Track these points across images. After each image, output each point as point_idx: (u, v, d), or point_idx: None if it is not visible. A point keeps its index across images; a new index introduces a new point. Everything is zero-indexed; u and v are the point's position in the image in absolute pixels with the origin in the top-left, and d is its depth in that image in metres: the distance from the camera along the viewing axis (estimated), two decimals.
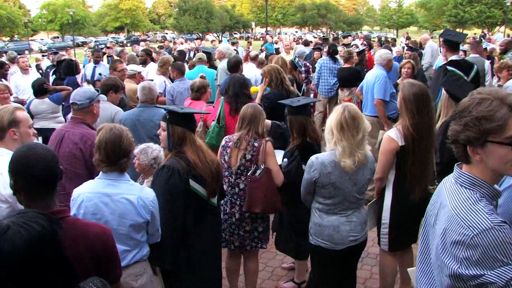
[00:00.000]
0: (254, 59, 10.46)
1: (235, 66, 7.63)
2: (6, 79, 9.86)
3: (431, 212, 2.21)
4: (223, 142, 4.52)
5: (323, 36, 26.89)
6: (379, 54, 8.01)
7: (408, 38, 23.97)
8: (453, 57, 6.75)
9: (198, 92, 6.65)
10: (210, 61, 10.49)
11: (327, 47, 11.64)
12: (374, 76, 7.67)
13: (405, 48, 14.76)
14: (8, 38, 68.92)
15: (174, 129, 3.60)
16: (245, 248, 4.56)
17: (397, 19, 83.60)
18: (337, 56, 10.75)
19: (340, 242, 3.82)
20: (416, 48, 13.16)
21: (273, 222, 4.99)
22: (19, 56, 11.24)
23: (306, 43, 17.23)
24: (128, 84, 7.62)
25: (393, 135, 4.13)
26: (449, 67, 6.60)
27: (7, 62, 11.02)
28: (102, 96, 4.69)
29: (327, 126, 3.78)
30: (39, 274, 1.61)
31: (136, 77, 7.90)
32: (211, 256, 3.89)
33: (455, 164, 2.13)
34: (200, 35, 62.06)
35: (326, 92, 10.62)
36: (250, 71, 9.51)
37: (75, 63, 9.34)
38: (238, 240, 4.51)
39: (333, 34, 54.18)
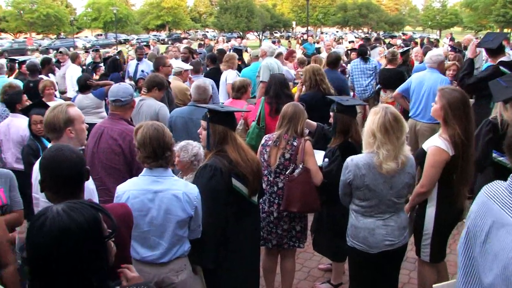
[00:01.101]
0: (277, 57, 10.38)
1: (335, 61, 7.93)
2: (54, 74, 10.13)
3: (478, 226, 2.11)
4: (263, 141, 4.54)
5: (365, 37, 26.55)
6: (429, 56, 7.53)
7: (451, 39, 23.40)
8: (503, 58, 6.51)
9: (239, 92, 6.66)
10: (240, 58, 10.62)
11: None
12: (436, 81, 7.07)
13: (449, 49, 14.39)
14: (55, 36, 70.89)
15: (215, 128, 3.61)
16: (282, 246, 4.55)
17: (441, 20, 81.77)
18: (371, 57, 10.61)
19: (375, 245, 3.76)
20: (460, 49, 12.81)
21: (312, 222, 4.97)
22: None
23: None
24: (174, 82, 7.70)
25: (442, 145, 3.90)
26: (502, 68, 6.33)
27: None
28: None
29: (366, 129, 3.71)
30: (87, 258, 1.70)
31: (183, 75, 7.98)
32: (250, 254, 3.90)
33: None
34: (241, 33, 62.24)
35: (359, 93, 10.50)
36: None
37: (119, 61, 9.49)
38: (276, 239, 4.50)
39: (368, 34, 53.56)
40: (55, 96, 7.77)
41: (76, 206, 1.72)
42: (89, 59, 16.10)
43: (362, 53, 10.55)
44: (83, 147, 4.06)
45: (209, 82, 6.11)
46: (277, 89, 5.87)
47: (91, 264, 1.71)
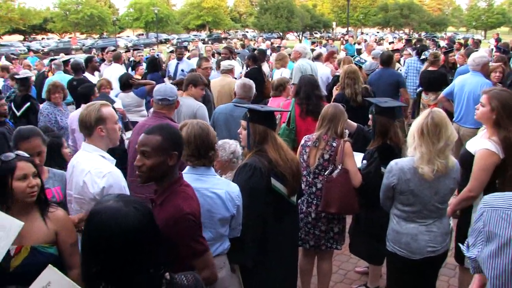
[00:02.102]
0: (317, 57, 10.68)
1: (388, 59, 8.13)
2: (99, 71, 10.34)
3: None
4: (302, 141, 4.53)
5: (408, 38, 26.10)
6: (472, 58, 7.30)
7: (498, 39, 22.73)
8: None
9: (277, 90, 6.79)
10: (263, 60, 10.80)
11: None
12: (477, 85, 6.91)
13: (494, 50, 13.97)
14: (98, 36, 72.57)
15: (255, 128, 3.63)
16: (320, 248, 4.53)
17: (486, 19, 79.67)
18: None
19: (418, 251, 3.67)
20: (507, 50, 12.38)
21: (350, 224, 4.92)
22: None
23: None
24: (224, 79, 7.82)
25: (492, 148, 3.76)
26: None
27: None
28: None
29: (410, 129, 3.66)
30: (146, 248, 1.80)
31: (233, 72, 8.08)
32: (289, 254, 3.90)
33: None
34: (281, 34, 62.18)
35: (412, 92, 10.38)
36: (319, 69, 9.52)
37: (158, 60, 9.59)
38: (313, 240, 4.49)
39: (408, 35, 52.58)
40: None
41: (131, 199, 1.81)
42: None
43: (421, 52, 10.44)
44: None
45: (252, 82, 6.17)
46: (308, 90, 5.84)
47: (148, 255, 1.80)
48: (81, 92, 6.52)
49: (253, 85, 5.93)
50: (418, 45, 13.64)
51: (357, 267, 5.53)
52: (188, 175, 3.24)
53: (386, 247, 3.90)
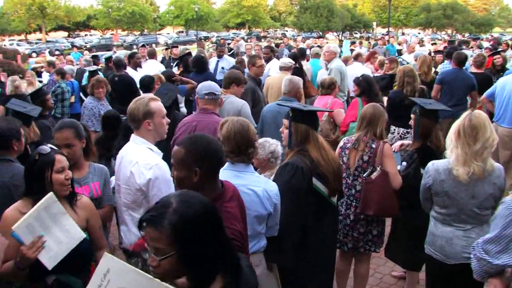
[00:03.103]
0: (357, 58, 10.70)
1: (464, 60, 8.32)
2: (141, 67, 10.49)
3: None
4: (341, 143, 4.50)
5: (450, 39, 25.53)
6: None
7: None
8: None
9: (329, 88, 6.93)
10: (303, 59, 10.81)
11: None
12: None
13: None
14: (139, 32, 73.82)
15: (298, 127, 3.64)
16: (358, 250, 4.49)
17: None
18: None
19: (452, 256, 3.57)
20: None
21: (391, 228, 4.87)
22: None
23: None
24: (283, 76, 7.76)
25: None
26: None
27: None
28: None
29: (449, 131, 3.58)
30: (211, 239, 1.85)
31: (291, 69, 8.13)
32: (328, 255, 3.89)
33: None
34: (320, 33, 61.84)
35: None
36: (356, 70, 9.47)
37: (205, 59, 9.52)
38: (352, 242, 4.45)
39: (450, 36, 51.36)
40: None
41: (193, 195, 1.88)
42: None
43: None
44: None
45: (299, 78, 6.25)
46: (376, 90, 6.13)
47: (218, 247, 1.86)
48: (143, 83, 6.84)
49: (299, 82, 5.99)
50: (462, 46, 13.28)
51: (393, 271, 5.44)
52: (226, 171, 3.26)
53: (422, 251, 3.83)
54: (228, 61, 10.85)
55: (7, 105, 5.42)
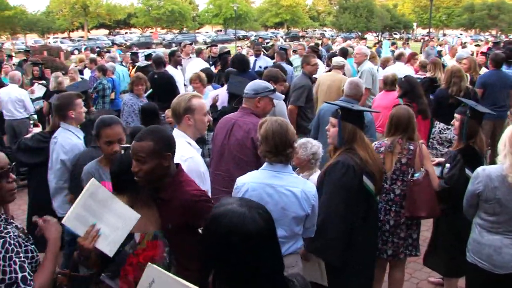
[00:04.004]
0: (399, 58, 10.63)
1: (502, 61, 8.26)
2: (181, 65, 10.60)
3: None
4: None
5: (495, 41, 24.83)
6: None
7: None
8: None
9: (393, 84, 7.14)
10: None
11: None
12: None
13: None
14: (178, 31, 74.69)
15: (345, 126, 3.64)
16: (398, 257, 4.41)
17: None
18: None
19: (501, 265, 3.47)
20: None
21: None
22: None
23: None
24: (335, 75, 7.90)
25: None
26: None
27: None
28: (278, 95, 4.83)
29: (502, 136, 3.48)
30: (269, 251, 1.78)
31: (343, 69, 8.14)
32: (371, 256, 3.89)
33: None
34: (359, 34, 61.21)
35: None
36: (397, 70, 9.35)
37: (246, 58, 9.47)
38: (392, 248, 4.37)
39: (494, 37, 49.94)
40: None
41: (253, 205, 1.80)
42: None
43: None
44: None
45: (361, 80, 6.41)
46: (420, 91, 6.30)
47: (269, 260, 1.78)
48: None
49: (362, 85, 6.00)
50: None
51: (430, 277, 5.33)
52: (265, 171, 3.27)
53: (466, 258, 3.73)
54: (266, 60, 10.85)
55: (50, 100, 5.58)
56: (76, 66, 12.27)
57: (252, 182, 3.24)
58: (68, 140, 4.52)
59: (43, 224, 2.62)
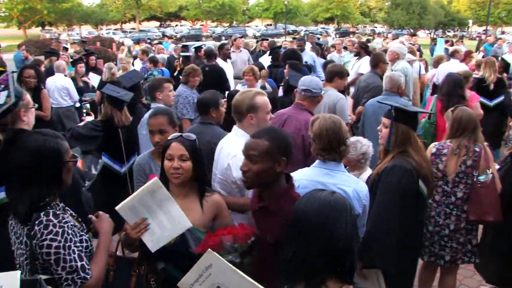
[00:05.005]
0: (453, 55, 10.37)
1: None
2: (230, 58, 10.62)
3: None
4: (433, 150, 4.27)
5: None
6: None
7: None
8: None
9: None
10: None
11: None
12: None
13: None
14: (228, 24, 75.15)
15: (399, 127, 3.50)
16: (455, 263, 4.27)
17: None
18: None
19: None
20: None
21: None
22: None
23: None
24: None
25: None
26: None
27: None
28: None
29: None
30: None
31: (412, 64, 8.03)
32: (417, 259, 3.81)
33: None
34: (411, 31, 59.86)
35: None
36: (451, 67, 9.14)
37: (300, 54, 9.34)
38: (450, 254, 4.22)
39: None
40: None
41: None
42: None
43: None
44: None
45: (399, 74, 6.23)
46: (450, 88, 6.02)
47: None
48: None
49: (400, 78, 5.96)
50: None
51: (482, 285, 5.12)
52: (317, 169, 3.22)
53: None
54: (310, 55, 10.73)
55: (103, 89, 5.69)
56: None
57: (303, 179, 3.17)
58: None
59: (96, 219, 2.67)
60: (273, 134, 2.79)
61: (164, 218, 2.75)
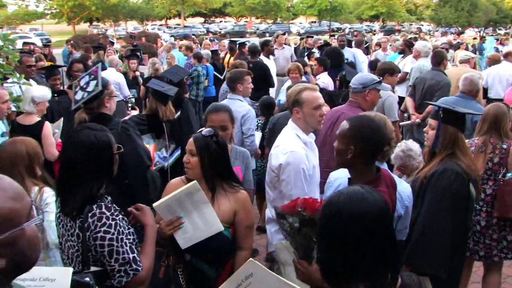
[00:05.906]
0: (506, 56, 9.85)
1: None
2: (273, 55, 10.62)
3: None
4: None
5: None
6: None
7: None
8: None
9: None
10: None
11: None
12: None
13: None
14: (272, 21, 75.09)
15: (447, 129, 3.39)
16: (491, 259, 4.24)
17: None
18: None
19: None
20: None
21: None
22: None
23: None
24: (463, 69, 7.77)
25: None
26: None
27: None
28: (385, 86, 4.77)
29: None
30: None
31: (470, 62, 7.88)
32: (464, 262, 3.77)
33: None
34: (459, 29, 58.34)
35: None
36: (504, 69, 9.04)
37: (340, 52, 9.22)
38: (484, 250, 4.22)
39: None
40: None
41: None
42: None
43: None
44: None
45: (478, 75, 6.22)
46: None
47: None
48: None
49: (478, 81, 5.84)
50: None
51: None
52: None
53: None
54: (351, 52, 10.62)
55: (148, 84, 5.79)
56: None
57: (345, 178, 3.14)
58: (241, 107, 5.43)
59: (138, 212, 2.70)
60: (357, 120, 2.93)
61: (198, 219, 2.85)
